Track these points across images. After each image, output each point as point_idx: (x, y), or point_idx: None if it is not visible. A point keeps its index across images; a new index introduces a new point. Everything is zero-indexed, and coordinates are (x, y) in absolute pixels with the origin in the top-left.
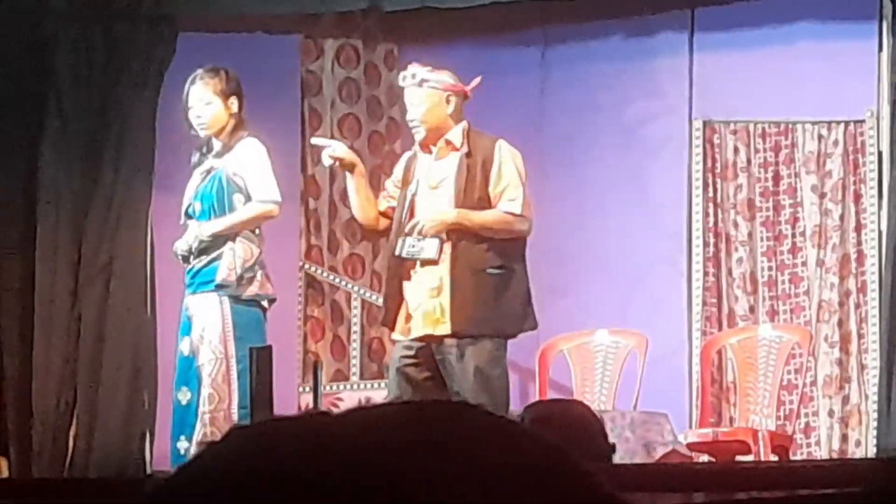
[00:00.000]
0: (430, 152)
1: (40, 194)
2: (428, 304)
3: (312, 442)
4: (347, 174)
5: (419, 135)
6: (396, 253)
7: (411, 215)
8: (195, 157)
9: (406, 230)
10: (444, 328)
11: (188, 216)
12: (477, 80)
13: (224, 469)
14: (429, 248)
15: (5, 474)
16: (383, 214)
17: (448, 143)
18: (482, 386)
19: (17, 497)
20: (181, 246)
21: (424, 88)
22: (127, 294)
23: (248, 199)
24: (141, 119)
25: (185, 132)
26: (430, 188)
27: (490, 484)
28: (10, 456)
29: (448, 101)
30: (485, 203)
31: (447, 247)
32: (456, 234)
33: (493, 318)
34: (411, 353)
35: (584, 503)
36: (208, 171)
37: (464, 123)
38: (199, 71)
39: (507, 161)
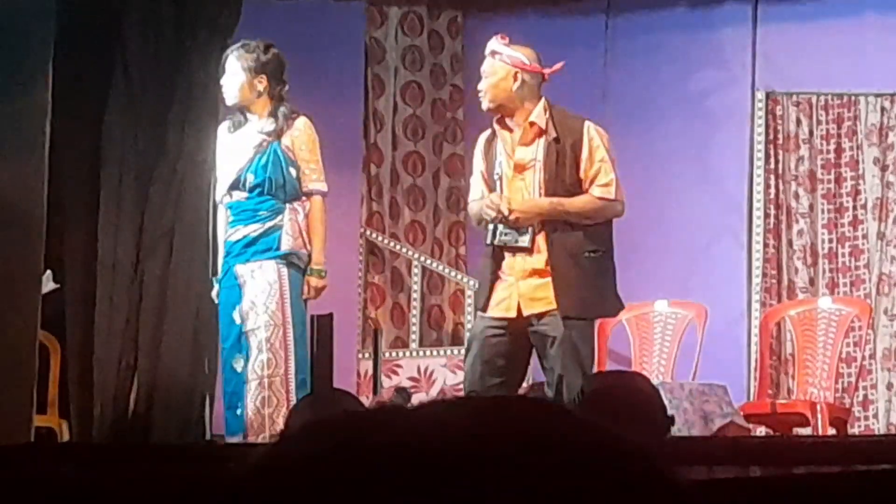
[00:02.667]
0: (509, 130)
1: (105, 160)
2: (525, 286)
3: (390, 439)
4: None
5: (483, 105)
6: (488, 241)
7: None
8: (231, 122)
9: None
10: (543, 306)
11: (234, 188)
12: (558, 66)
13: (302, 468)
14: (522, 237)
15: (66, 438)
16: None
17: (533, 124)
18: (575, 363)
19: (78, 461)
20: None
21: (496, 60)
22: (189, 260)
23: (300, 174)
24: (206, 87)
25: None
26: (517, 173)
27: (568, 483)
28: (70, 420)
29: (515, 78)
30: (576, 188)
31: (542, 233)
32: (549, 222)
33: (593, 301)
34: (498, 327)
35: None
36: (260, 145)
37: (543, 102)
38: (239, 44)
39: (596, 145)
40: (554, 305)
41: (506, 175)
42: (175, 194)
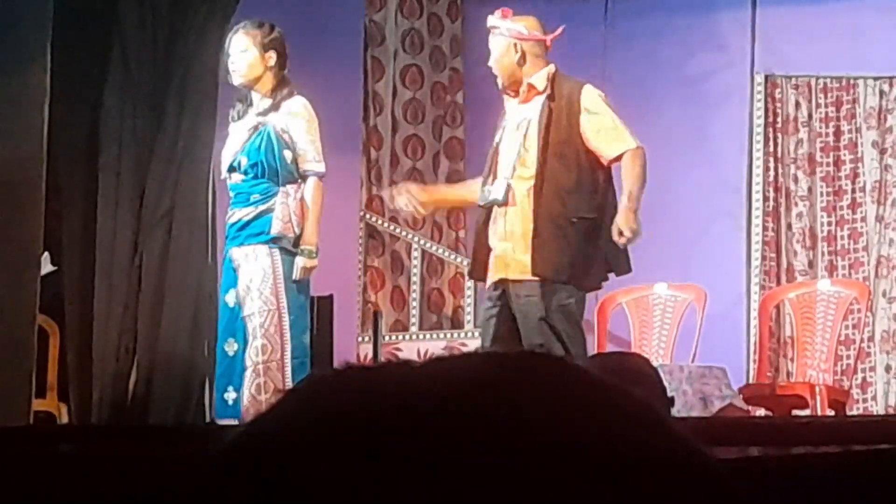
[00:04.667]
0: (515, 96)
1: (103, 142)
2: (499, 248)
3: (393, 392)
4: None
5: (498, 83)
6: (479, 203)
7: (495, 162)
8: (234, 111)
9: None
10: (517, 273)
11: (232, 170)
12: (559, 31)
13: (303, 418)
14: (496, 191)
15: (65, 420)
16: None
17: (531, 87)
18: (543, 335)
19: (77, 443)
20: None
21: (496, 36)
22: (188, 241)
23: (296, 156)
24: (205, 67)
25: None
26: (514, 130)
27: (571, 438)
28: (69, 402)
29: (516, 49)
30: (569, 145)
31: (530, 193)
32: (540, 181)
33: (573, 267)
34: (491, 302)
35: (670, 458)
36: (255, 127)
37: (549, 68)
38: (244, 22)
39: (597, 107)
40: (528, 275)
41: (506, 137)
42: (174, 176)
